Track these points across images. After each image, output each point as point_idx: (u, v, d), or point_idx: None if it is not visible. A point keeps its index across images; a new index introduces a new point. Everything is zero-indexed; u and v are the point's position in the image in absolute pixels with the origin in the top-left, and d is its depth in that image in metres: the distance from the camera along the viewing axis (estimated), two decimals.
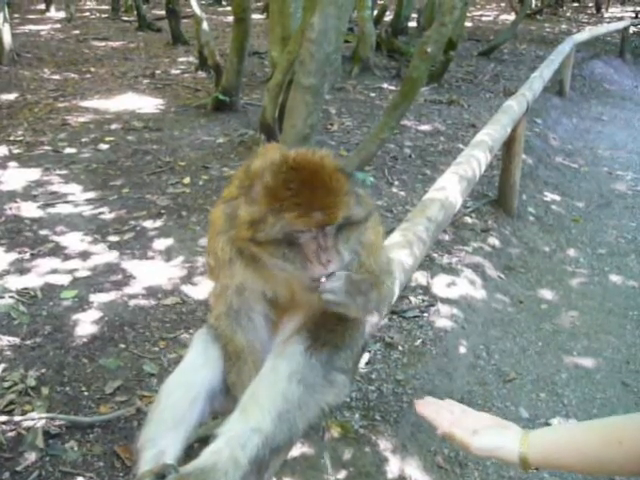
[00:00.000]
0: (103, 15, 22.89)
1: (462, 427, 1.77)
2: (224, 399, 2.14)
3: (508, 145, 6.58)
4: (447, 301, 5.18)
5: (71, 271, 5.20)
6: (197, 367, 2.11)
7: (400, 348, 4.55)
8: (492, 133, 5.26)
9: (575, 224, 7.34)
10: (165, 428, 1.98)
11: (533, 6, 26.94)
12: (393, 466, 3.62)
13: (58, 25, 19.92)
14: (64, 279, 5.08)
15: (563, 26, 25.10)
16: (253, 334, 2.15)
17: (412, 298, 5.15)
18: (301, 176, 1.83)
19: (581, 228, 7.25)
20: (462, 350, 4.75)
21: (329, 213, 1.82)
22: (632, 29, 20.57)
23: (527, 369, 4.71)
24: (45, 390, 3.83)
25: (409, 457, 3.71)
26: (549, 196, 8.04)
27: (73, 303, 4.76)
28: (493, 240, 6.41)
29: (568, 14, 29.86)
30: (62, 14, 21.88)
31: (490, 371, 4.63)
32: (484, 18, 26.64)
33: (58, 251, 5.52)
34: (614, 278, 6.14)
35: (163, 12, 18.44)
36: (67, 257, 5.43)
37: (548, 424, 4.13)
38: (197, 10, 10.52)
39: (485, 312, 5.29)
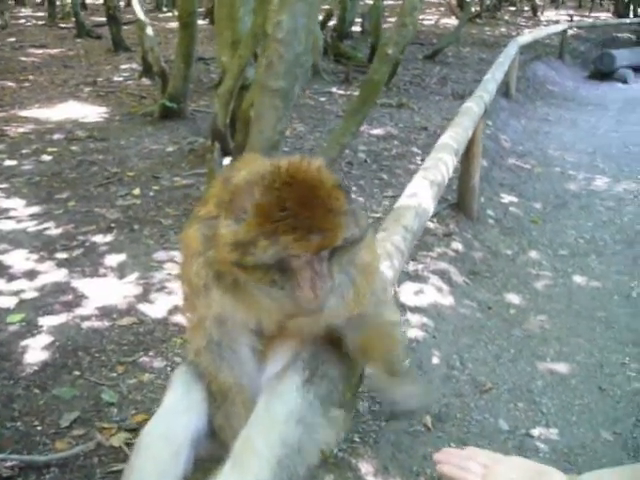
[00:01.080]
0: (39, 22, 22.10)
1: None
2: (209, 443, 1.90)
3: (467, 148, 6.48)
4: (416, 310, 5.03)
5: (17, 292, 4.84)
6: (179, 413, 1.87)
7: None
8: (455, 136, 5.14)
9: (534, 225, 7.31)
10: None
11: (472, 10, 27.30)
12: None
13: None
14: (9, 302, 4.71)
15: (502, 29, 25.52)
16: (239, 369, 1.91)
17: None
18: (298, 193, 1.60)
19: (540, 229, 7.22)
20: (435, 361, 4.60)
21: (328, 236, 1.61)
22: (570, 32, 21.06)
23: (502, 378, 4.58)
24: None
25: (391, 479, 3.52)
26: (506, 198, 8.01)
27: (20, 328, 4.41)
28: (456, 245, 6.31)
29: (506, 17, 30.42)
30: None
31: (465, 382, 4.49)
32: (425, 22, 26.84)
33: (1, 271, 5.14)
34: (578, 279, 6.10)
35: (102, 19, 17.92)
36: (11, 277, 5.06)
37: (529, 435, 4.01)
38: (141, 15, 10.17)
39: (455, 319, 5.16)
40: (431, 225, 6.52)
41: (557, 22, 25.25)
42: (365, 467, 3.50)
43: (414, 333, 4.74)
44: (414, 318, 4.91)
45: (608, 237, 7.05)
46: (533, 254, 6.61)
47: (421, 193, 3.85)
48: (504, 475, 1.55)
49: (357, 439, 3.68)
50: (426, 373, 4.42)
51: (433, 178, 4.15)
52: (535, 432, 4.04)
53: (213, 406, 1.89)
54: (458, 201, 7.06)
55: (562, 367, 4.73)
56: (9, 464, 3.24)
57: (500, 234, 6.96)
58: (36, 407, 3.68)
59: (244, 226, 1.60)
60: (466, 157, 6.72)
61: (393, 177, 7.78)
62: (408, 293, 5.21)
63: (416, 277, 5.47)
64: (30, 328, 4.42)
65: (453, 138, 5.06)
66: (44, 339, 4.30)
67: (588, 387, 4.53)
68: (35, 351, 4.17)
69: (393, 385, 2.25)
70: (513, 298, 5.69)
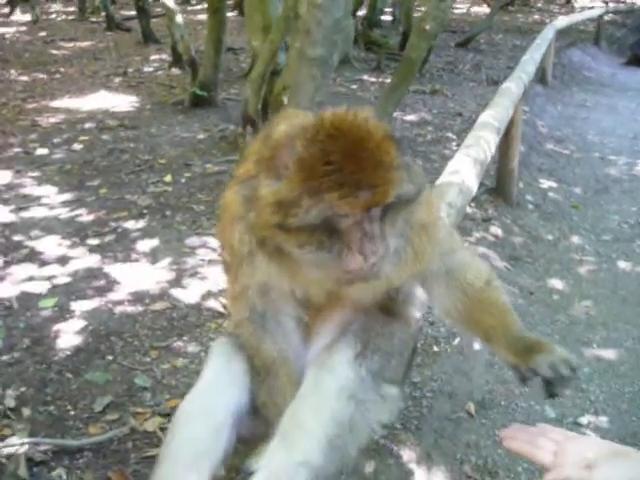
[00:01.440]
0: (70, 17, 22.22)
1: (569, 460, 1.41)
2: (252, 421, 1.77)
3: (506, 130, 6.27)
4: None
5: (49, 278, 4.78)
6: (220, 387, 1.74)
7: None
8: (496, 115, 4.95)
9: (575, 211, 7.08)
10: (185, 467, 1.61)
11: None
12: (419, 478, 3.28)
13: (24, 28, 19.26)
14: (42, 287, 4.66)
15: (536, 16, 25.06)
16: (284, 341, 1.78)
17: (419, 294, 4.80)
18: (343, 146, 1.45)
19: (582, 215, 6.98)
20: (477, 347, 4.42)
21: (379, 192, 1.45)
22: (606, 17, 20.55)
23: None
24: (26, 411, 3.41)
25: (435, 468, 3.37)
26: (545, 183, 7.78)
27: (53, 313, 4.35)
28: (495, 229, 6.11)
29: (539, 5, 29.86)
30: (28, 17, 21.18)
31: (509, 368, 4.30)
32: (456, 11, 26.45)
33: (34, 257, 5.10)
34: (623, 265, 5.87)
35: (132, 12, 17.93)
36: (44, 263, 5.01)
37: (578, 423, 3.83)
38: (170, 3, 10.10)
39: None
40: (469, 210, 6.33)
41: (591, 8, 24.68)
42: (407, 454, 3.36)
43: None
44: None
45: None
46: (575, 239, 6.38)
47: (464, 170, 3.69)
48: (578, 453, 1.41)
49: (398, 425, 3.53)
50: (467, 359, 4.26)
51: (476, 155, 3.98)
52: (584, 420, 3.86)
53: (256, 381, 1.76)
54: (496, 186, 6.85)
55: (610, 353, 4.53)
56: (42, 448, 3.16)
57: (540, 219, 6.74)
58: (69, 391, 3.60)
59: (286, 184, 1.46)
60: (505, 140, 6.49)
61: (428, 162, 7.58)
62: None
63: None
64: (62, 313, 4.36)
65: (493, 117, 4.87)
66: (77, 324, 4.23)
67: (638, 374, 4.32)
68: (68, 336, 4.10)
69: (523, 357, 1.94)
70: (556, 283, 5.48)
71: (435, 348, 4.24)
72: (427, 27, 5.02)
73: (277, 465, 1.50)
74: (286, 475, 1.47)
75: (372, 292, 1.72)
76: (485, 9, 23.57)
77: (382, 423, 1.71)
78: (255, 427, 1.75)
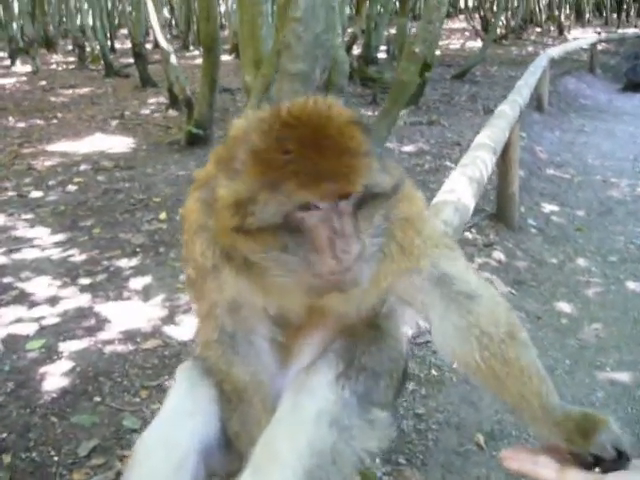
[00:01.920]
0: (70, 66, 22.50)
1: (576, 476, 1.26)
2: (224, 455, 1.58)
3: (504, 152, 6.15)
4: None
5: (38, 319, 4.63)
6: (183, 416, 1.55)
7: (416, 378, 4.02)
8: (492, 135, 4.84)
9: (579, 233, 6.91)
10: None
11: (498, 32, 27.13)
12: None
13: (24, 78, 19.46)
14: (30, 328, 4.50)
15: (529, 48, 25.25)
16: (257, 364, 1.60)
17: (421, 322, 4.61)
18: (302, 133, 1.31)
19: (586, 237, 6.81)
20: None
21: (344, 180, 1.30)
22: (599, 46, 20.69)
23: (559, 390, 4.10)
24: (7, 458, 3.23)
25: None
26: (547, 207, 7.63)
27: (40, 354, 4.18)
28: (498, 254, 5.94)
29: (533, 37, 30.16)
30: (28, 67, 21.45)
31: None
32: (451, 46, 26.75)
33: (23, 298, 4.95)
34: (632, 285, 5.67)
35: (131, 60, 18.11)
36: (33, 304, 4.86)
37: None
38: (164, 44, 10.14)
39: None
40: (470, 236, 6.19)
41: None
42: None
43: None
44: None
45: None
46: (581, 261, 6.20)
47: (460, 189, 3.55)
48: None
49: (403, 460, 3.32)
50: (475, 389, 4.05)
51: (472, 174, 3.84)
52: None
53: (227, 409, 1.58)
54: (497, 211, 6.71)
55: (624, 377, 4.32)
56: None
57: (544, 243, 6.57)
58: (53, 436, 3.42)
59: (242, 180, 1.32)
60: (503, 163, 6.39)
61: (427, 191, 7.39)
62: None
63: None
64: (50, 354, 4.19)
65: (489, 137, 4.75)
66: (64, 365, 4.06)
67: None
68: (54, 378, 3.93)
69: (578, 440, 1.43)
70: (564, 307, 5.29)
71: (440, 377, 4.03)
72: (417, 50, 4.95)
73: None
74: None
75: (355, 303, 1.54)
76: (479, 43, 23.74)
77: (370, 452, 1.53)
78: (229, 462, 1.57)
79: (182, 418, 1.54)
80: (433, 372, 4.08)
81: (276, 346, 1.63)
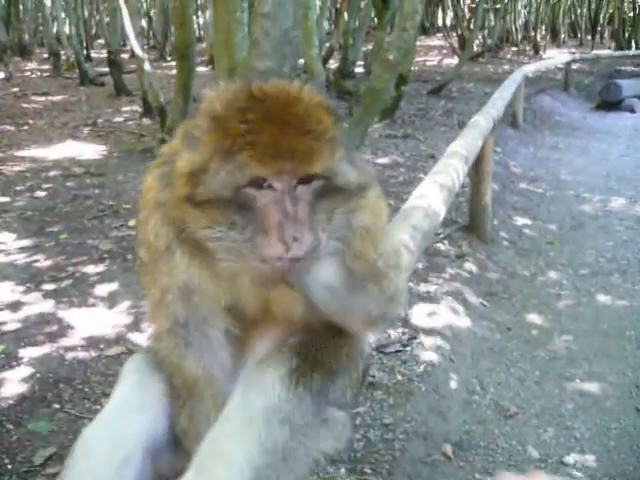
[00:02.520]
0: (44, 74, 22.24)
1: None
2: (172, 455, 1.50)
3: (477, 164, 6.16)
4: (430, 332, 4.62)
5: None
6: (129, 412, 1.46)
7: (384, 387, 3.95)
8: (464, 144, 4.83)
9: (551, 246, 6.93)
10: None
11: (475, 49, 27.42)
12: None
13: None
14: None
15: (506, 67, 25.50)
16: (210, 358, 1.51)
17: (390, 331, 4.57)
18: (267, 107, 1.26)
19: (558, 250, 6.83)
20: (453, 385, 4.18)
21: (302, 160, 1.25)
22: (573, 66, 20.99)
23: (528, 402, 4.15)
24: None
25: None
26: (520, 220, 7.65)
27: None
28: (470, 266, 5.93)
29: (509, 56, 30.51)
30: (1, 74, 21.17)
31: (488, 407, 4.06)
32: (428, 63, 26.96)
33: None
34: (602, 298, 5.68)
35: (106, 69, 17.96)
36: None
37: (563, 463, 3.57)
38: (138, 50, 10.06)
39: (472, 342, 4.75)
40: (442, 247, 6.17)
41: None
42: None
43: (428, 356, 4.32)
44: (428, 340, 4.50)
45: (630, 256, 6.65)
46: (552, 274, 6.20)
47: (430, 195, 3.51)
48: None
49: (369, 470, 3.24)
50: (443, 398, 4.00)
51: (443, 181, 3.81)
52: (570, 459, 3.60)
53: (176, 404, 1.50)
54: (470, 223, 6.70)
55: (594, 388, 4.30)
56: None
57: (516, 255, 6.58)
58: (8, 443, 3.29)
59: (199, 147, 1.27)
60: (476, 174, 6.40)
61: (400, 203, 7.33)
62: (420, 315, 4.81)
63: (428, 298, 5.08)
64: (9, 360, 4.05)
65: (462, 146, 4.74)
66: (23, 371, 3.93)
67: (624, 409, 4.09)
68: (12, 384, 3.79)
69: None
70: (534, 319, 5.28)
71: (408, 387, 3.97)
72: (390, 57, 4.92)
73: None
74: None
75: (304, 295, 1.46)
76: (456, 61, 23.94)
77: (325, 452, 1.46)
78: (176, 461, 1.48)
79: (129, 413, 1.46)
80: (401, 381, 4.01)
81: (232, 340, 1.55)
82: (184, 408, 1.49)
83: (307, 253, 1.26)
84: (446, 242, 6.31)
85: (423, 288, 5.23)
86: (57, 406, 3.62)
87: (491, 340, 4.87)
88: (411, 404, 3.83)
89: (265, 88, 1.29)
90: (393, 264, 1.55)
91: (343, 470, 3.21)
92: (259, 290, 1.44)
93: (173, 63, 24.07)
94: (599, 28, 37.08)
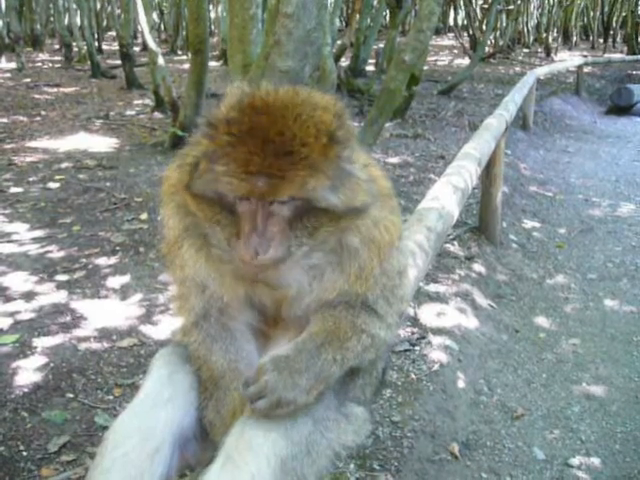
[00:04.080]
0: (56, 65, 22.33)
1: None
2: (199, 446, 1.54)
3: (488, 166, 6.18)
4: (438, 332, 4.66)
5: (12, 314, 4.54)
6: (159, 403, 1.49)
7: (393, 386, 3.99)
8: (477, 146, 4.85)
9: (560, 250, 6.95)
10: None
11: (486, 50, 27.38)
12: None
13: (8, 74, 19.28)
14: (4, 323, 4.41)
15: (517, 69, 25.47)
16: (235, 352, 1.56)
17: (400, 330, 4.60)
18: (257, 120, 1.30)
19: (566, 254, 6.86)
20: (461, 385, 4.22)
21: (271, 184, 1.28)
22: (585, 69, 20.93)
23: (535, 404, 4.19)
24: None
25: None
26: (529, 223, 7.68)
27: (13, 349, 4.10)
28: (479, 267, 5.96)
29: (520, 58, 30.43)
30: (13, 65, 21.26)
31: (495, 407, 4.10)
32: (439, 62, 26.94)
33: None
34: (610, 303, 5.71)
35: (118, 61, 18.02)
36: (8, 299, 4.77)
37: (568, 464, 3.61)
38: (152, 44, 10.09)
39: (480, 343, 4.79)
40: (452, 248, 6.20)
41: None
42: None
43: (437, 356, 4.37)
44: (436, 340, 4.54)
45: None
46: (560, 278, 6.23)
47: (444, 197, 3.55)
48: None
49: (377, 466, 3.29)
50: (451, 398, 4.04)
51: (456, 183, 3.85)
52: (575, 461, 3.64)
53: (203, 397, 1.54)
54: (480, 225, 6.73)
55: (600, 392, 4.33)
56: None
57: (524, 258, 6.61)
58: (23, 431, 3.34)
59: (198, 145, 1.37)
60: (487, 177, 6.42)
61: (410, 202, 7.44)
62: (429, 315, 4.85)
63: (437, 298, 5.11)
64: (24, 349, 4.11)
65: (475, 148, 4.77)
66: (37, 360, 3.99)
67: (630, 413, 4.12)
68: (27, 373, 3.85)
69: None
70: (542, 322, 5.31)
71: (417, 386, 4.01)
72: (406, 58, 4.95)
73: None
74: None
75: (297, 302, 1.54)
76: (467, 61, 23.93)
77: (346, 446, 1.50)
78: (203, 453, 1.53)
79: (159, 404, 1.49)
80: (410, 380, 4.06)
81: (256, 334, 1.60)
82: (211, 400, 1.54)
83: (269, 263, 1.33)
84: (455, 243, 6.34)
85: (432, 288, 5.26)
86: (71, 395, 3.67)
87: (499, 341, 4.91)
88: (419, 403, 3.87)
89: (267, 98, 1.33)
90: (389, 285, 1.57)
91: (352, 466, 3.26)
92: (239, 285, 1.50)
93: (184, 57, 24.22)
94: (611, 31, 36.94)
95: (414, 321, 4.72)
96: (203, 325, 1.55)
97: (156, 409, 1.48)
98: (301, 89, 1.42)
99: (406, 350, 4.38)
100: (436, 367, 4.24)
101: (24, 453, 3.20)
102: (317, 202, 1.33)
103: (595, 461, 3.65)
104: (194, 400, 1.55)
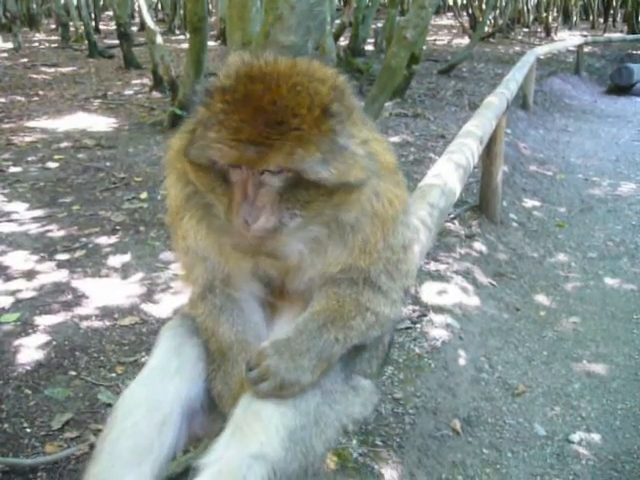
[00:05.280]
0: (52, 45, 22.15)
1: None
2: (207, 417, 1.55)
3: (489, 145, 6.15)
4: (439, 310, 4.67)
5: (13, 292, 4.55)
6: (168, 374, 1.49)
7: (394, 363, 4.00)
8: (479, 124, 4.83)
9: (560, 229, 6.95)
10: (123, 463, 1.39)
11: (486, 30, 27.18)
12: None
13: (5, 54, 19.13)
14: (5, 301, 4.42)
15: (516, 48, 25.29)
16: (242, 323, 1.56)
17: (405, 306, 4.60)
18: (251, 89, 1.30)
19: (567, 233, 6.85)
20: (462, 362, 4.23)
21: (262, 154, 1.28)
22: (585, 49, 20.80)
23: (536, 381, 4.21)
24: None
25: None
26: (529, 202, 7.66)
27: (15, 327, 4.11)
28: (479, 246, 5.96)
29: (520, 37, 30.23)
30: (10, 44, 21.08)
31: (496, 384, 4.12)
32: (438, 42, 26.75)
33: None
34: (610, 282, 5.72)
35: (115, 41, 17.88)
36: (9, 278, 4.77)
37: (569, 440, 3.63)
38: (150, 23, 10.01)
39: (481, 321, 4.80)
40: (452, 227, 6.19)
41: None
42: (389, 473, 3.13)
43: (438, 333, 4.38)
44: (437, 318, 4.55)
45: (639, 240, 6.67)
46: (561, 256, 6.24)
47: (446, 174, 3.54)
48: None
49: (379, 442, 3.31)
50: (452, 375, 4.06)
51: (458, 161, 3.83)
52: (575, 437, 3.66)
53: (211, 368, 1.54)
54: (480, 204, 6.71)
55: (600, 369, 4.35)
56: None
57: (525, 237, 6.61)
58: (26, 408, 3.36)
59: (199, 109, 1.39)
60: (487, 156, 6.39)
61: (411, 181, 7.38)
62: (430, 293, 4.85)
63: (438, 277, 5.12)
64: (25, 328, 4.12)
65: (476, 126, 4.75)
66: (39, 339, 3.99)
67: (630, 390, 4.14)
68: (29, 351, 3.86)
69: None
70: (542, 300, 5.32)
71: (418, 363, 4.03)
72: (407, 35, 4.91)
73: (228, 460, 1.28)
74: (238, 470, 1.26)
75: (301, 274, 1.54)
76: (466, 41, 23.78)
77: (354, 418, 1.51)
78: (211, 423, 1.53)
79: (167, 376, 1.50)
80: (412, 358, 4.07)
81: (263, 305, 1.60)
82: (219, 372, 1.54)
83: (262, 234, 1.32)
84: (456, 222, 6.33)
85: (433, 267, 5.26)
86: (73, 373, 3.68)
87: (499, 319, 4.92)
88: (421, 380, 3.89)
89: (264, 68, 1.33)
90: (393, 259, 1.57)
91: (355, 441, 3.27)
92: (240, 257, 1.49)
93: (182, 37, 24.02)
94: (612, 11, 36.64)
95: (415, 299, 4.72)
96: (209, 296, 1.54)
97: (164, 380, 1.48)
98: (301, 60, 1.40)
99: (407, 328, 4.39)
100: (437, 345, 4.25)
101: (28, 430, 3.21)
102: (306, 174, 1.32)
103: (595, 437, 3.68)
104: (202, 372, 1.55)
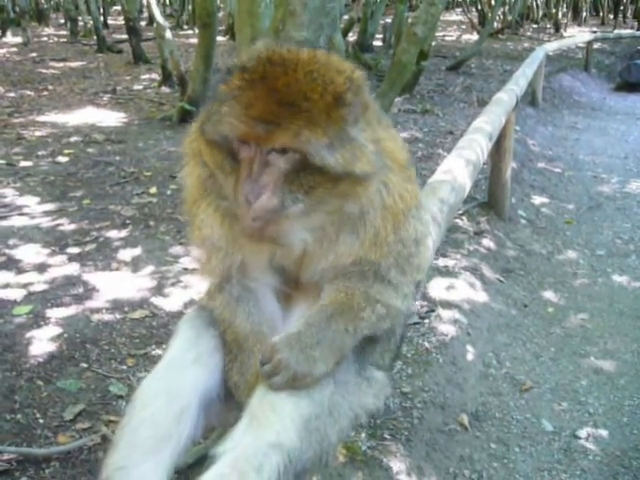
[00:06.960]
0: (61, 40, 22.22)
1: None
2: (224, 407, 1.58)
3: (498, 141, 6.15)
4: (447, 305, 4.69)
5: (25, 285, 4.59)
6: (185, 364, 1.53)
7: (403, 357, 4.03)
8: (489, 120, 4.84)
9: (568, 226, 6.95)
10: (142, 451, 1.41)
11: (495, 26, 27.09)
12: None
13: (14, 49, 19.21)
14: (17, 294, 4.46)
15: (525, 44, 25.21)
16: (258, 314, 1.59)
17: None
18: (266, 70, 1.35)
19: (575, 230, 6.86)
20: (470, 358, 4.25)
21: (270, 132, 1.32)
22: (595, 45, 20.71)
23: (543, 377, 4.23)
24: None
25: None
26: (538, 199, 7.67)
27: (27, 320, 4.15)
28: (488, 242, 5.97)
29: (529, 33, 30.13)
30: (19, 39, 21.17)
31: (503, 380, 4.14)
32: (447, 38, 26.69)
33: (11, 265, 4.90)
34: (619, 279, 5.72)
35: (124, 36, 17.93)
36: (21, 270, 4.81)
37: (576, 436, 3.65)
38: (159, 18, 10.03)
39: (489, 317, 4.81)
40: (461, 223, 6.20)
41: None
42: (397, 466, 3.16)
43: (446, 329, 4.40)
44: (445, 314, 4.56)
45: None
46: (569, 253, 6.24)
47: (456, 169, 3.56)
48: None
49: (388, 436, 3.34)
50: (460, 370, 4.08)
51: (468, 157, 3.85)
52: (582, 433, 3.68)
53: (228, 359, 1.57)
54: (489, 200, 6.72)
55: (608, 366, 4.37)
56: (6, 457, 2.95)
57: (533, 233, 6.62)
58: (39, 399, 3.39)
59: (219, 87, 1.43)
60: (496, 152, 6.40)
61: (419, 178, 7.39)
62: (439, 288, 4.87)
63: (447, 273, 5.13)
64: (37, 320, 4.16)
65: (486, 122, 4.76)
66: (51, 331, 4.03)
67: (638, 387, 4.15)
68: (41, 343, 3.90)
69: None
70: (550, 296, 5.33)
71: (426, 358, 4.05)
72: (417, 31, 4.91)
73: (244, 448, 1.31)
74: (254, 458, 1.29)
75: (310, 263, 1.56)
76: (475, 37, 23.73)
77: (367, 408, 1.54)
78: (227, 414, 1.56)
79: (184, 366, 1.53)
80: (420, 353, 4.09)
81: (280, 297, 1.62)
82: (235, 363, 1.57)
83: (263, 214, 1.35)
84: (465, 218, 6.34)
85: (442, 262, 5.28)
86: (85, 365, 3.72)
87: (507, 316, 4.93)
88: (429, 374, 3.91)
89: (284, 53, 1.37)
90: (404, 253, 1.58)
91: (364, 435, 3.30)
92: (248, 243, 1.51)
93: (190, 32, 24.05)
94: (622, 7, 36.45)
95: (423, 295, 4.74)
96: (226, 287, 1.57)
97: (182, 371, 1.51)
98: (322, 53, 1.44)
99: (416, 323, 4.41)
100: (446, 340, 4.27)
101: (40, 421, 3.25)
102: (312, 157, 1.35)
103: (603, 433, 3.70)
104: (219, 362, 1.58)
